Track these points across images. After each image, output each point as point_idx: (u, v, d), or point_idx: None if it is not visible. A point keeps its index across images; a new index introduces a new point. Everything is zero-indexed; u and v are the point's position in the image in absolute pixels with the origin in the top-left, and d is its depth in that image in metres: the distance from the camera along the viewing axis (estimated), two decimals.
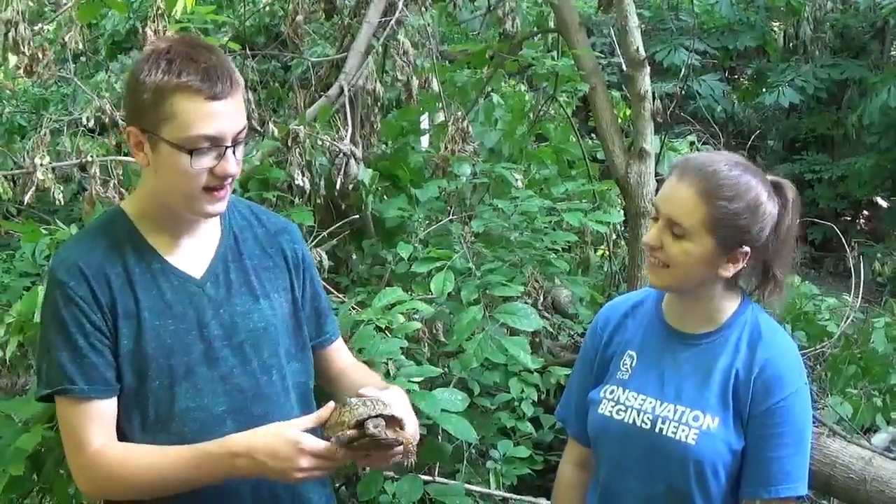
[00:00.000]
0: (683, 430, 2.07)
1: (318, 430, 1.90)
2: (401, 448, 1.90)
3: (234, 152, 1.92)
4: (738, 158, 2.09)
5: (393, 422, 1.88)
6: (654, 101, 4.36)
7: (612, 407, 2.18)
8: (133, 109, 1.91)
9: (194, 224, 2.03)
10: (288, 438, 1.84)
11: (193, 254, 2.03)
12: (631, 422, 2.14)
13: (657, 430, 2.10)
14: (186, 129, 1.85)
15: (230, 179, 1.95)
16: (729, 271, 2.07)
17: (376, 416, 1.86)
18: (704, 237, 2.02)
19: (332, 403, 1.92)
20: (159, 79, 1.85)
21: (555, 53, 4.95)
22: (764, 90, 11.37)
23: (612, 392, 2.20)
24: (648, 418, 2.12)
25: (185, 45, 1.90)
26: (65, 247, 2.02)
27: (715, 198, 2.00)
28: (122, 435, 1.95)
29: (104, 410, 1.92)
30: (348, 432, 1.84)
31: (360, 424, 1.84)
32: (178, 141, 1.86)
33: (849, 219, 11.61)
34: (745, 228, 2.02)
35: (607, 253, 5.15)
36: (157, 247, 2.00)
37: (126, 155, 4.15)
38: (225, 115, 1.88)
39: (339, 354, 2.32)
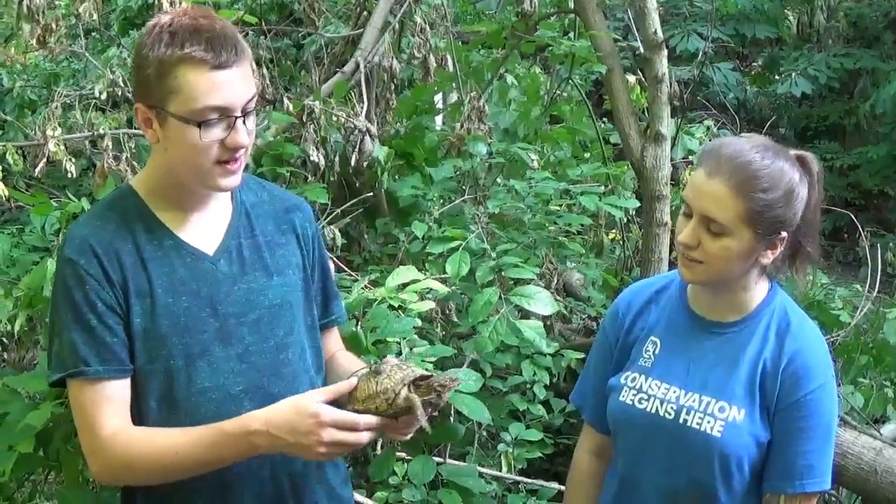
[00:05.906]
0: (709, 422, 2.01)
1: (338, 404, 1.86)
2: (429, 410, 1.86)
3: (244, 122, 1.87)
4: (765, 142, 2.03)
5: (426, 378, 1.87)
6: (670, 84, 4.32)
7: (634, 395, 2.12)
8: (140, 86, 1.87)
9: (206, 200, 1.99)
10: (307, 411, 1.80)
11: (205, 230, 1.99)
12: (654, 411, 2.08)
13: (681, 420, 2.04)
14: (193, 102, 1.81)
15: (242, 151, 1.89)
16: (769, 258, 2.02)
17: (420, 377, 1.84)
18: (743, 231, 1.95)
19: (353, 379, 1.89)
20: (162, 52, 1.80)
21: (571, 34, 4.89)
22: (777, 77, 11.32)
23: (633, 380, 2.14)
24: (672, 408, 2.06)
25: (188, 17, 1.85)
26: (74, 226, 1.98)
27: (751, 190, 1.93)
28: (139, 416, 1.91)
29: (118, 391, 1.88)
30: (403, 395, 1.80)
31: (412, 384, 1.82)
32: (186, 114, 1.82)
33: (859, 209, 11.55)
34: (783, 215, 1.96)
35: (619, 237, 5.11)
36: (169, 223, 1.96)
37: (138, 129, 4.13)
38: (232, 84, 1.83)
39: (336, 338, 2.29)
